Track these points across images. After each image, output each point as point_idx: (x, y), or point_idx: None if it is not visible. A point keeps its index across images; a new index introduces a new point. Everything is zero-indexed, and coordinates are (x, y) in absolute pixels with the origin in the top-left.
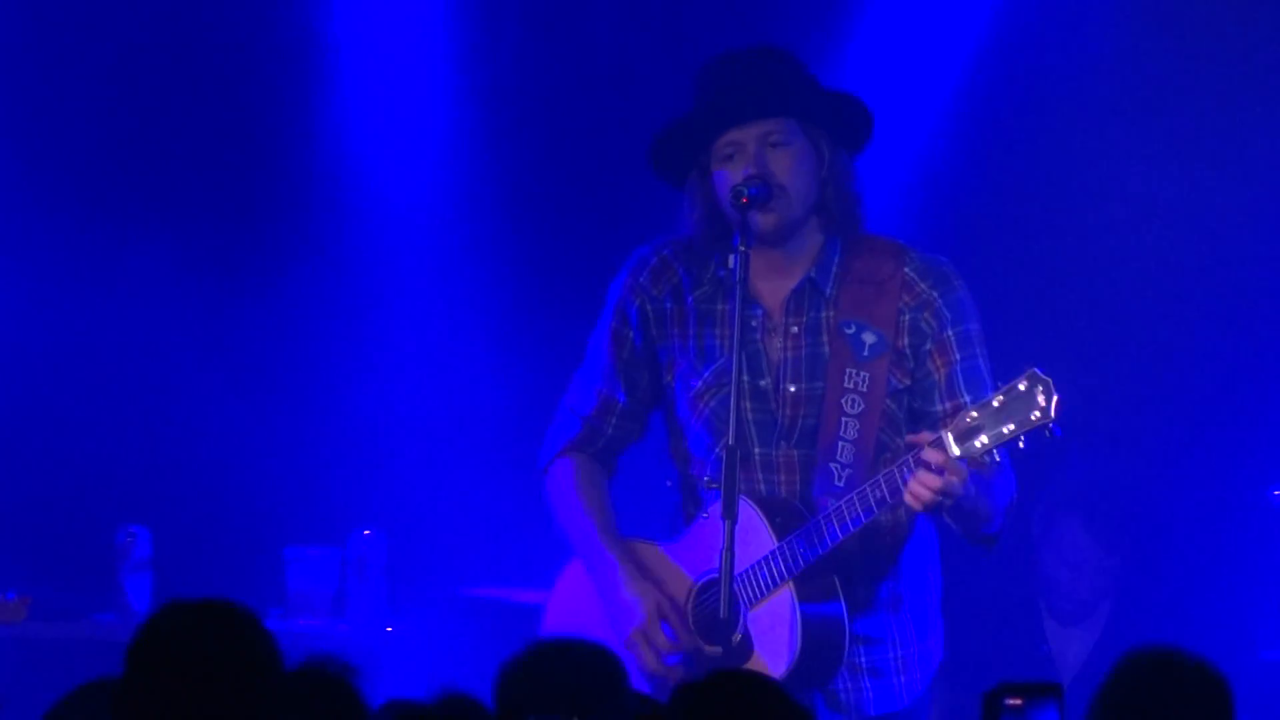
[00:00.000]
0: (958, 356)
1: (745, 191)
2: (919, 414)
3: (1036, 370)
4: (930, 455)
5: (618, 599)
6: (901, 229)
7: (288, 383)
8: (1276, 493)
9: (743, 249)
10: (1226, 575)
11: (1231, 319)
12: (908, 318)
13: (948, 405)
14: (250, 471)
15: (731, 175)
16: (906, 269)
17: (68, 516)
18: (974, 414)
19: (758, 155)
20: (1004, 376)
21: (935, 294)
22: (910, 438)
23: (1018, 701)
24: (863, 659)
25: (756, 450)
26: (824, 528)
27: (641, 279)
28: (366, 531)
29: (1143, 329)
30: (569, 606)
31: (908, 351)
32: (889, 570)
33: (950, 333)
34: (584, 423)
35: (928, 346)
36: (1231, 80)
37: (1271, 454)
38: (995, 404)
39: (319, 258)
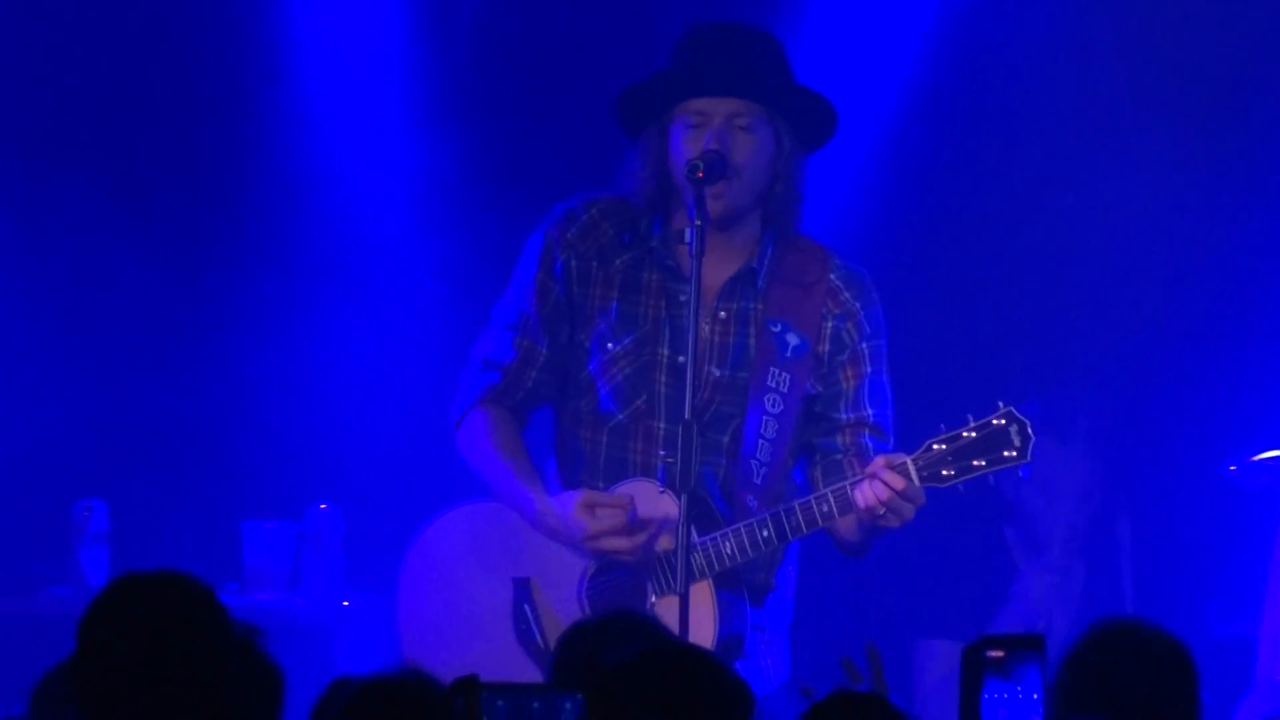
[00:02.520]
0: (868, 370)
1: (700, 166)
2: (818, 418)
3: (1014, 409)
4: (892, 479)
5: (558, 522)
6: (853, 226)
7: (245, 357)
8: (1231, 468)
9: (698, 223)
10: (1179, 551)
11: (1186, 299)
12: (830, 325)
13: (851, 416)
14: (207, 445)
15: (691, 144)
16: (832, 275)
17: (24, 490)
18: (942, 444)
19: (721, 132)
20: (967, 374)
21: (858, 304)
22: (872, 468)
23: (1000, 654)
24: None
25: (661, 425)
26: (758, 534)
27: (570, 234)
28: (323, 506)
29: (1098, 308)
30: (445, 565)
31: (825, 358)
32: (768, 558)
33: (865, 346)
34: (504, 374)
35: (843, 357)
36: (1188, 78)
37: (1225, 430)
38: (966, 436)
39: (277, 233)
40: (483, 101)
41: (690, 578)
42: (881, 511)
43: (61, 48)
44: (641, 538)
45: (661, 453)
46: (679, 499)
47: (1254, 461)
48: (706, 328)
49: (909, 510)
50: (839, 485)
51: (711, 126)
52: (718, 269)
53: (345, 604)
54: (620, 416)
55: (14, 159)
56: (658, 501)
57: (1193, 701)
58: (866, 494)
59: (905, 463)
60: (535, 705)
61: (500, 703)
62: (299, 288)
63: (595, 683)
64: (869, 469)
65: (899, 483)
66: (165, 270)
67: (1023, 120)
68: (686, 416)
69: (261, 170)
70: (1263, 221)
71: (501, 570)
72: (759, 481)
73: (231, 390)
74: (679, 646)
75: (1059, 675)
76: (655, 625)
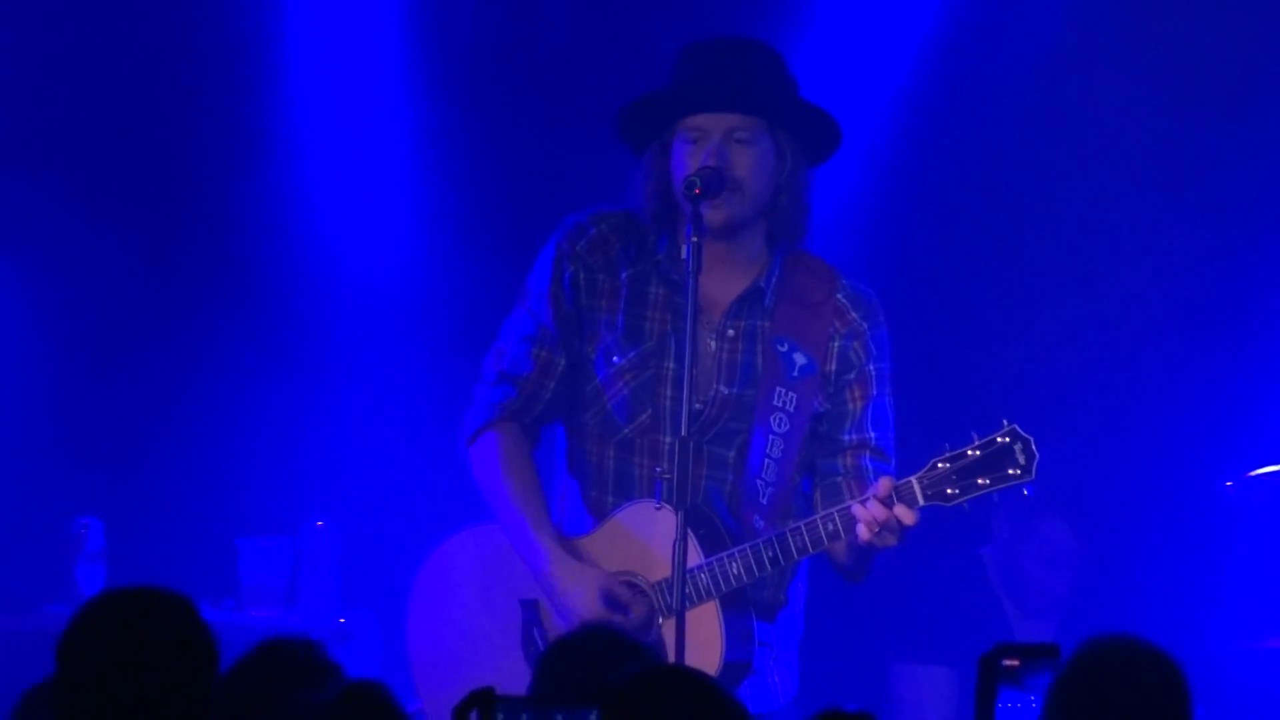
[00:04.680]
0: (874, 392)
1: (698, 182)
2: (822, 438)
3: (1018, 427)
4: (903, 514)
5: (556, 587)
6: (851, 239)
7: (240, 374)
8: (1228, 484)
9: (695, 239)
10: (1177, 567)
11: (1185, 313)
12: (838, 345)
13: (854, 438)
14: (203, 462)
15: (690, 160)
16: (839, 295)
17: (21, 507)
18: (946, 463)
19: (719, 147)
20: (969, 391)
21: (865, 325)
22: (875, 491)
23: (1014, 663)
24: None
25: (666, 439)
26: (764, 555)
27: (579, 246)
28: (319, 523)
29: (1096, 323)
30: (449, 590)
31: (832, 377)
32: (778, 574)
33: (872, 367)
34: (520, 388)
35: (850, 376)
36: (1182, 83)
37: (1223, 446)
38: (971, 455)
39: (275, 248)
40: (483, 112)
41: (696, 598)
42: (876, 529)
43: (49, 55)
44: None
45: (658, 469)
46: (676, 514)
47: (1251, 477)
48: (713, 344)
49: (892, 539)
50: (843, 506)
51: (710, 142)
52: (726, 286)
53: (341, 621)
54: (626, 430)
55: (11, 172)
56: (655, 519)
57: (1184, 718)
58: (863, 514)
59: (910, 483)
60: (558, 718)
61: (524, 716)
62: (297, 304)
63: (616, 704)
64: (870, 491)
65: (881, 512)
66: (162, 287)
67: (1024, 131)
68: (683, 432)
69: (259, 187)
70: (1261, 242)
71: (510, 592)
72: (765, 501)
73: (228, 407)
74: (676, 670)
75: (1051, 692)
76: (636, 643)
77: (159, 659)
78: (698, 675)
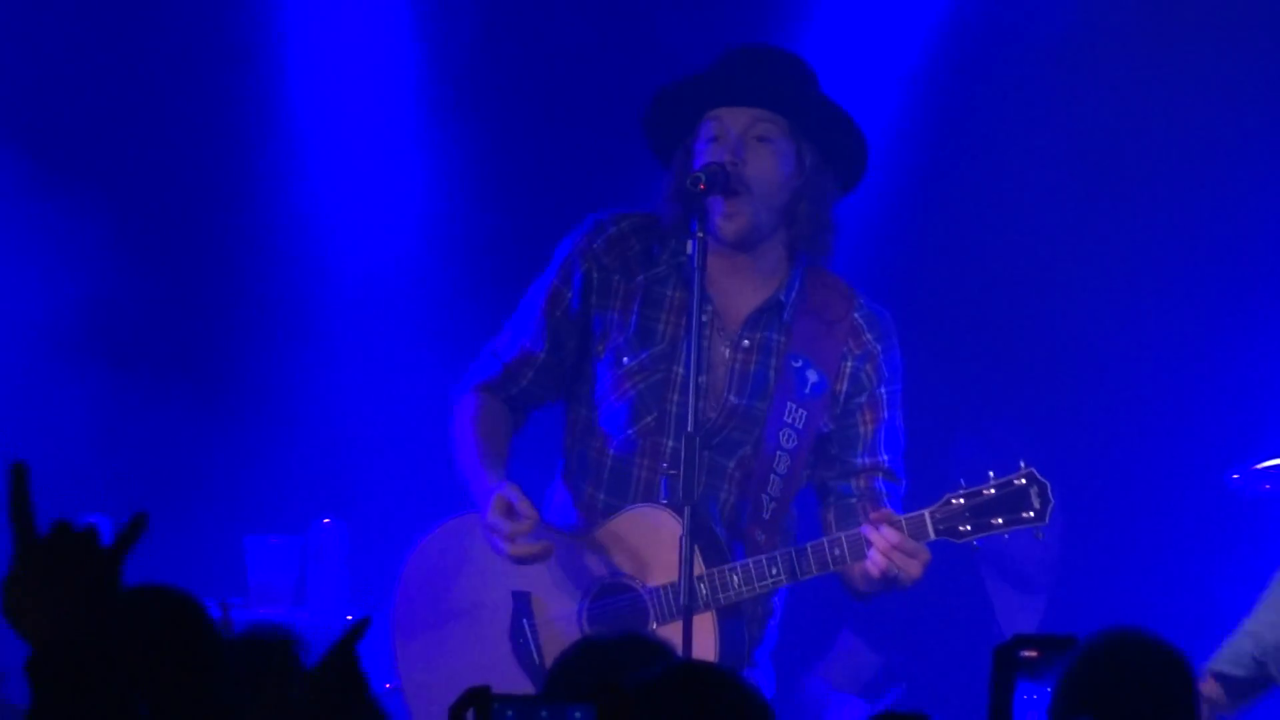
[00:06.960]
0: (885, 415)
1: (702, 177)
2: (833, 460)
3: (1035, 470)
4: (908, 546)
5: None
6: (856, 240)
7: (248, 371)
8: (1234, 477)
9: (700, 235)
10: (1183, 560)
11: (1192, 308)
12: (850, 365)
13: (866, 460)
14: (211, 460)
15: (709, 158)
16: (855, 314)
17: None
18: (960, 499)
19: (738, 145)
20: (975, 391)
21: (879, 347)
22: (885, 525)
23: (1033, 654)
24: None
25: (669, 443)
26: (768, 572)
27: (596, 244)
28: (326, 520)
29: (1104, 319)
30: (431, 582)
31: (841, 398)
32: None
33: (884, 390)
34: (504, 369)
35: (861, 399)
36: (1192, 81)
37: (1229, 438)
38: (986, 494)
39: (280, 249)
40: (489, 114)
41: (694, 609)
42: (892, 558)
43: (49, 55)
44: (546, 548)
45: (664, 465)
46: (681, 514)
47: (1258, 470)
48: (727, 353)
49: (915, 567)
50: (853, 531)
51: (729, 139)
52: (745, 296)
53: (349, 619)
54: (630, 431)
55: (26, 175)
56: (656, 526)
57: (1190, 710)
58: (878, 539)
59: (921, 516)
60: (544, 715)
61: (509, 713)
62: (302, 304)
63: (613, 701)
64: (880, 524)
65: (894, 536)
66: (168, 285)
67: (1031, 136)
68: (689, 429)
69: (266, 186)
70: (1269, 235)
71: (504, 581)
72: (768, 516)
73: (235, 405)
74: (704, 665)
75: (1059, 683)
76: (669, 651)
77: (164, 658)
78: (726, 672)
